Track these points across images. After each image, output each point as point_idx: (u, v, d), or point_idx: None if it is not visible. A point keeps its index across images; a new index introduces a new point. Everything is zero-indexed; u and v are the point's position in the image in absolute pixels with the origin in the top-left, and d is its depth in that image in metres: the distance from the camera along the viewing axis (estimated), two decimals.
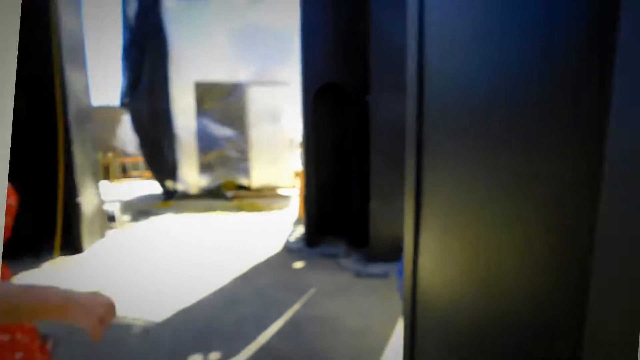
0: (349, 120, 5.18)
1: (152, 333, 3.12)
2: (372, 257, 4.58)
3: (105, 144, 11.07)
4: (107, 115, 11.28)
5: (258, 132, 8.78)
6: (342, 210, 5.46)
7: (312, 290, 3.93)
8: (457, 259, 0.90)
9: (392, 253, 4.59)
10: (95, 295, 0.84)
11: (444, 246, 0.95)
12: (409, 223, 1.02)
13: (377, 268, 4.43)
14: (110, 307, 0.85)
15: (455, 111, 0.83)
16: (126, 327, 3.20)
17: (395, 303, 3.65)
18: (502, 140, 0.81)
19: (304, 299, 3.75)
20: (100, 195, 5.62)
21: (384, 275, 4.29)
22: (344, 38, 4.99)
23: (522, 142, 0.80)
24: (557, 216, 0.78)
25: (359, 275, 4.31)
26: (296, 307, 3.59)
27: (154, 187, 9.09)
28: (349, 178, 5.31)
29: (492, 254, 0.85)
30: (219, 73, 8.36)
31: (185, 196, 8.57)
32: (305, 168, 5.20)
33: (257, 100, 8.67)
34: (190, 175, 8.56)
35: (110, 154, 11.69)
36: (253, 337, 3.04)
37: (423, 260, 1.00)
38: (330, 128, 5.42)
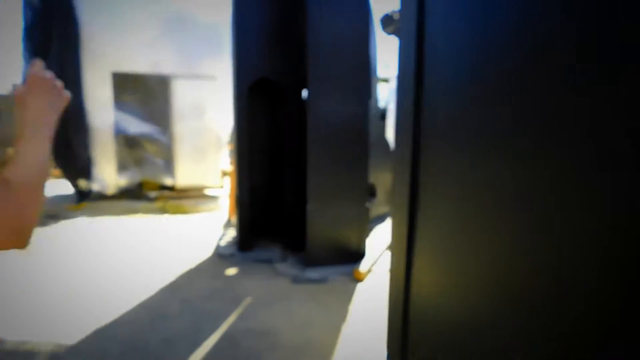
0: (284, 117, 4.97)
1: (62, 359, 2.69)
2: (310, 261, 4.42)
3: (4, 138, 9.80)
4: (5, 106, 9.99)
5: (183, 129, 8.25)
6: (276, 212, 5.24)
7: (247, 300, 3.68)
8: (458, 267, 0.76)
9: (330, 257, 4.49)
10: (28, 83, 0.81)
11: (442, 254, 0.79)
12: (400, 230, 0.85)
13: (315, 273, 4.27)
14: (37, 66, 0.83)
15: (465, 105, 0.67)
16: (29, 355, 2.74)
17: (336, 310, 3.52)
18: (517, 140, 0.66)
19: (239, 309, 3.49)
20: None
21: (323, 280, 4.14)
22: (280, 31, 4.77)
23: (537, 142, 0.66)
24: (562, 222, 0.66)
25: (296, 280, 4.13)
26: (231, 319, 3.32)
27: (64, 187, 8.19)
28: (284, 178, 5.11)
29: (500, 262, 0.71)
30: (140, 64, 7.72)
31: (102, 197, 7.81)
32: (237, 167, 4.90)
33: (182, 95, 8.14)
34: (107, 174, 7.83)
35: (10, 150, 10.40)
36: (184, 358, 2.73)
37: (418, 268, 0.84)
38: (265, 125, 5.18)
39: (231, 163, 6.17)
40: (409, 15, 0.77)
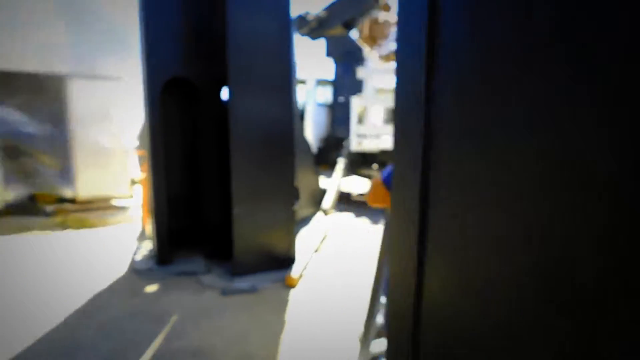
0: (204, 119, 4.69)
1: None
2: (238, 270, 4.20)
3: None
4: None
5: (84, 134, 7.46)
6: (198, 220, 4.93)
7: (173, 318, 3.37)
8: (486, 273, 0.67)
9: (259, 264, 4.31)
10: None
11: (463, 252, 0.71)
12: (406, 240, 0.75)
13: (244, 282, 4.07)
14: None
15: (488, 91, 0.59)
16: None
17: (271, 321, 3.36)
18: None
19: (165, 329, 3.18)
20: None
21: (253, 290, 3.96)
22: (196, 28, 4.48)
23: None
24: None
25: (225, 292, 3.89)
26: (157, 341, 3.01)
27: None
28: (205, 183, 4.82)
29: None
30: (29, 60, 6.83)
31: None
32: (152, 173, 4.50)
33: (82, 96, 7.36)
34: None
35: None
36: None
37: (430, 273, 0.74)
38: (182, 128, 4.84)
39: (143, 170, 5.68)
40: None
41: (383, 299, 2.38)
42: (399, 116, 0.76)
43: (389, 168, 1.33)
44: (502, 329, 0.63)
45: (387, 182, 1.31)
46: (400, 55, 0.75)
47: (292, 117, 4.51)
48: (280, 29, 4.30)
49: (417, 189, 0.71)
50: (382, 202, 1.55)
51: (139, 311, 3.48)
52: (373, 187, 1.42)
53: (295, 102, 6.34)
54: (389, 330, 0.84)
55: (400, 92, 0.75)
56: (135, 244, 5.31)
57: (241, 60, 4.05)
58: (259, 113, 4.22)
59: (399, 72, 0.75)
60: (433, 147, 0.68)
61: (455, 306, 0.68)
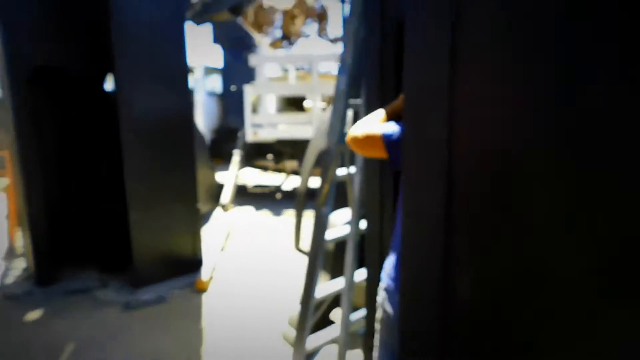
0: (88, 113, 4.09)
1: None
2: (140, 280, 3.78)
3: None
4: None
5: None
6: (86, 229, 4.31)
7: (69, 346, 2.90)
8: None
9: (164, 271, 3.96)
10: None
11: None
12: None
13: (149, 293, 3.68)
14: None
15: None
16: None
17: (187, 332, 3.09)
18: None
19: None
20: None
21: (161, 300, 3.60)
22: (72, 7, 3.84)
23: None
24: None
25: (128, 307, 3.47)
26: None
27: None
28: (92, 186, 4.23)
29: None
30: None
31: None
32: (22, 178, 3.80)
33: None
34: None
35: None
36: None
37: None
38: (59, 124, 4.15)
39: (7, 175, 4.82)
40: None
41: (317, 295, 2.30)
42: (413, 102, 0.66)
43: (393, 127, 1.24)
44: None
45: (389, 141, 1.21)
46: (414, 41, 0.65)
47: (190, 107, 4.16)
48: (174, 12, 3.91)
49: (442, 176, 0.63)
50: (370, 153, 1.44)
51: (22, 345, 2.92)
52: (368, 137, 1.29)
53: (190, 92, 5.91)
54: (404, 326, 0.75)
55: (415, 76, 0.65)
56: (1, 264, 4.47)
57: (129, 47, 3.58)
58: (153, 104, 3.81)
59: (412, 56, 0.65)
60: (457, 137, 0.60)
61: (494, 297, 0.62)
